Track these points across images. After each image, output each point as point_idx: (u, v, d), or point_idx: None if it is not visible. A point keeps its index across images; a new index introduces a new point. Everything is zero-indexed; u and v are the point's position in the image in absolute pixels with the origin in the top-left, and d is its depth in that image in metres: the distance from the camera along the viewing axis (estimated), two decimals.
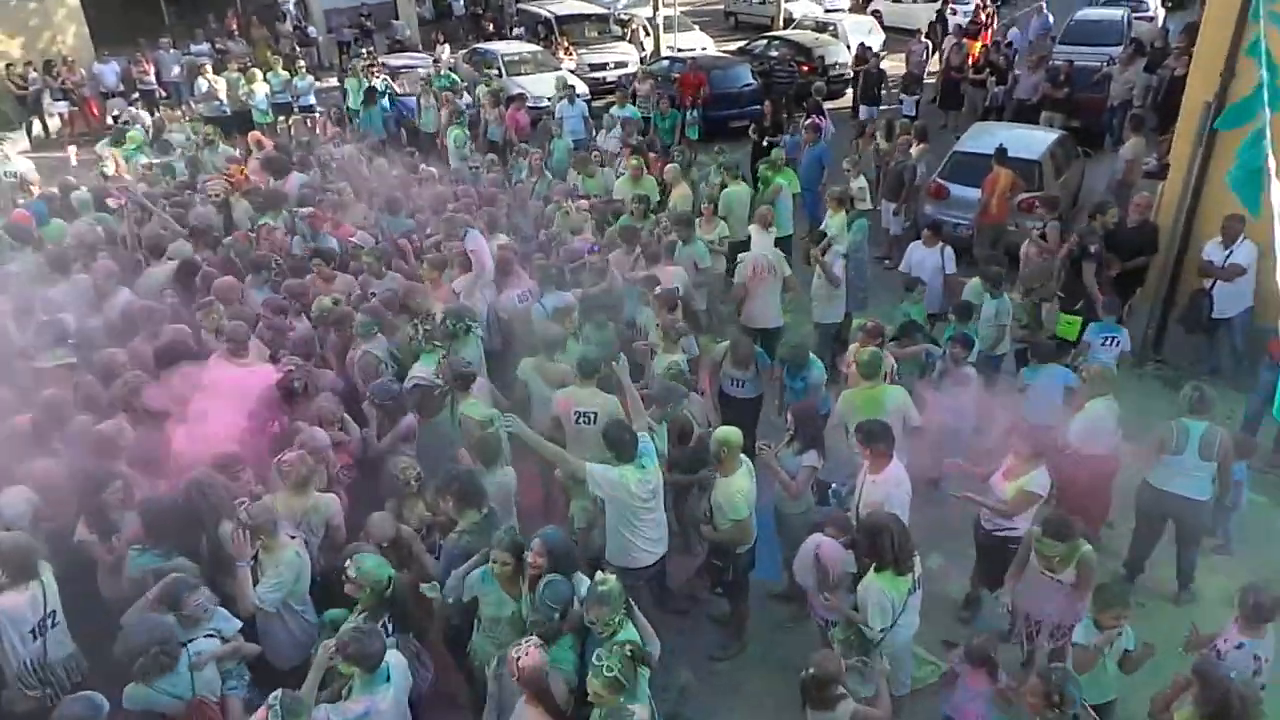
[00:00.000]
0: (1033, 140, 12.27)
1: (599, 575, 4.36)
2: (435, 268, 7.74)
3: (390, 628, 4.58)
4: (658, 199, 10.24)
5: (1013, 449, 5.67)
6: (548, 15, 23.14)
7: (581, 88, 17.15)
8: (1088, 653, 4.55)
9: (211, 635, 4.42)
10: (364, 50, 22.14)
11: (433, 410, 6.11)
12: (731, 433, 5.50)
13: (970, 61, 16.71)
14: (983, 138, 12.40)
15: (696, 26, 24.04)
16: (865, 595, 4.84)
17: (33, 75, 17.64)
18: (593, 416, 6.10)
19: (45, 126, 18.12)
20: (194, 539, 4.93)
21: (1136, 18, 19.82)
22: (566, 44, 21.35)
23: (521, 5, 25.61)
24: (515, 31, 24.14)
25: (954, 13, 21.90)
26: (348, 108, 16.17)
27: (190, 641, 4.28)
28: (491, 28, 25.82)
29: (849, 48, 19.80)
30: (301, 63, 17.90)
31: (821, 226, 9.15)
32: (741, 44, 22.60)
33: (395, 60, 19.31)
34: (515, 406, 6.39)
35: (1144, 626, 4.88)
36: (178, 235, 8.55)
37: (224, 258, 8.21)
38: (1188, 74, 10.00)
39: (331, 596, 4.82)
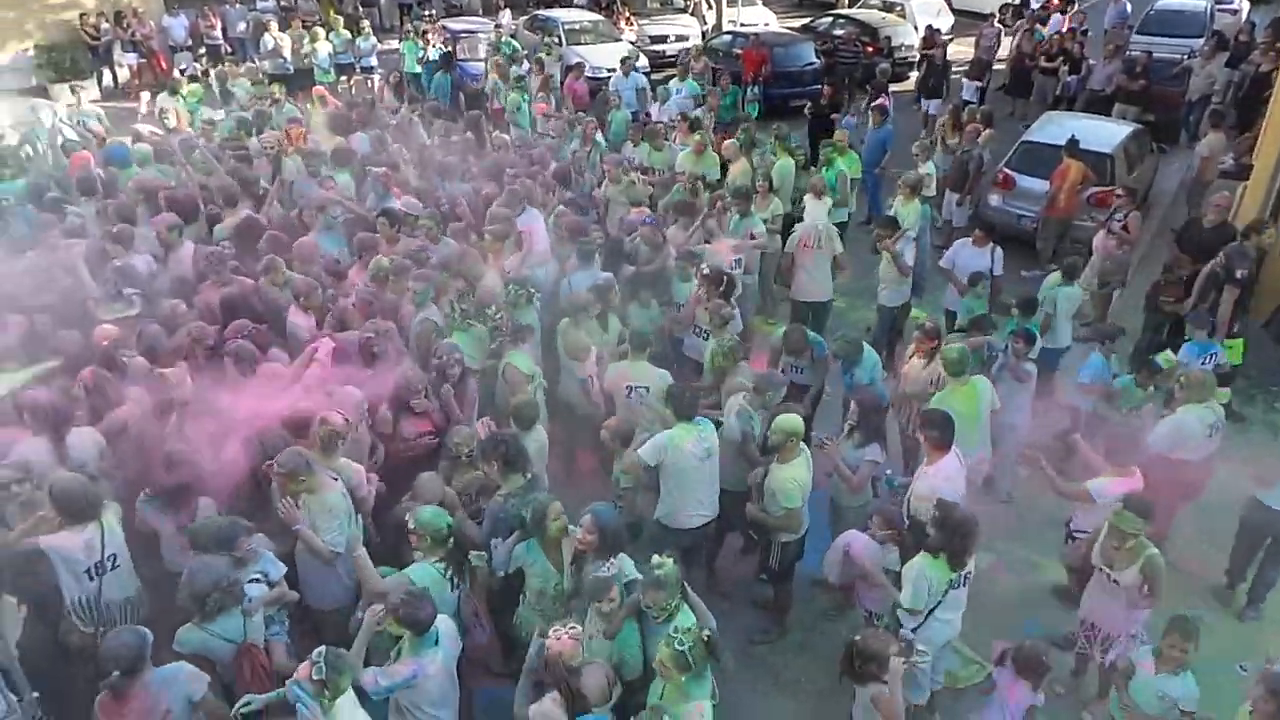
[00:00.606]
0: (1106, 132, 11.87)
1: (655, 559, 4.33)
2: (498, 239, 7.67)
3: (455, 582, 4.63)
4: (717, 176, 10.13)
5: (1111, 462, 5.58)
6: None
7: (640, 60, 16.95)
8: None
9: (256, 579, 4.48)
10: (426, 14, 22.07)
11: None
12: (795, 422, 5.40)
13: (1045, 49, 16.13)
14: (1053, 128, 12.05)
15: (760, 1, 23.61)
16: (907, 573, 4.80)
17: (105, 26, 17.87)
18: (645, 391, 6.18)
19: (115, 77, 18.39)
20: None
21: (1220, 10, 19.05)
22: (628, 14, 21.11)
23: None
24: None
25: None
26: (404, 71, 16.13)
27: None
28: None
29: (916, 29, 19.35)
30: (365, 23, 17.88)
31: (890, 212, 8.94)
32: (806, 21, 22.18)
33: (455, 24, 19.21)
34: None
35: (1202, 640, 4.71)
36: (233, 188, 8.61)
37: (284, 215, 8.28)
38: (1274, 70, 9.58)
39: None
